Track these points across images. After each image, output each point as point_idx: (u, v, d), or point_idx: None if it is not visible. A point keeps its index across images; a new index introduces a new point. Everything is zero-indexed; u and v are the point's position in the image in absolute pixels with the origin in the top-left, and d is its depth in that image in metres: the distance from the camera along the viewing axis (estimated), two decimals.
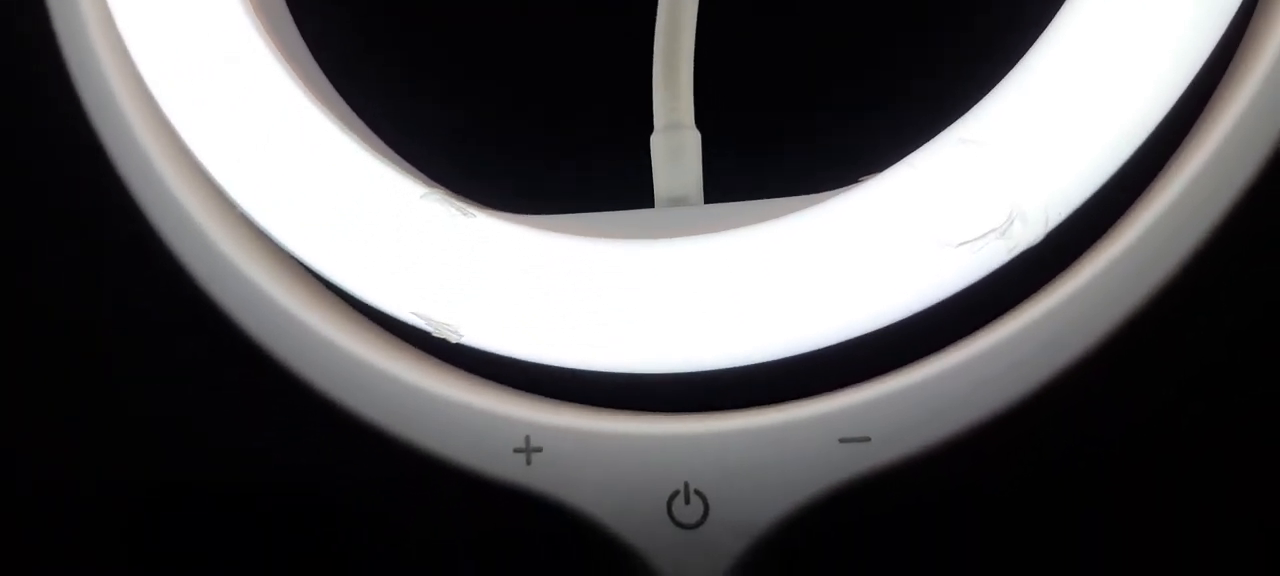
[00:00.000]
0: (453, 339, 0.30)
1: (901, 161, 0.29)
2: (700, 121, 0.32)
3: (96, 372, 0.36)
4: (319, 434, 0.33)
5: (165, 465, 0.36)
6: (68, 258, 0.36)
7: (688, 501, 0.31)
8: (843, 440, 0.30)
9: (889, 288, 0.29)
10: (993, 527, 0.31)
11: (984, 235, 0.28)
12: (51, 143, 0.35)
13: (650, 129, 0.32)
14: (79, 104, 0.34)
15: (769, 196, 0.31)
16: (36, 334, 0.36)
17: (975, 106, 0.28)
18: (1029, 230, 0.28)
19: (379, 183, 0.31)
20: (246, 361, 0.33)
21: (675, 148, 0.32)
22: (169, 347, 0.34)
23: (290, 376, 0.33)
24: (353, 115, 0.34)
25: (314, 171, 0.31)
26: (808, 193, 0.31)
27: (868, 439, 0.30)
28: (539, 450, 0.31)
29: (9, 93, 0.36)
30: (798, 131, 0.33)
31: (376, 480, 0.33)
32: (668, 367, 0.31)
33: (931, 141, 0.29)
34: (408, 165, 0.33)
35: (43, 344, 0.36)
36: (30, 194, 0.36)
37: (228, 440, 0.35)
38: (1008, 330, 0.30)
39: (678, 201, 0.32)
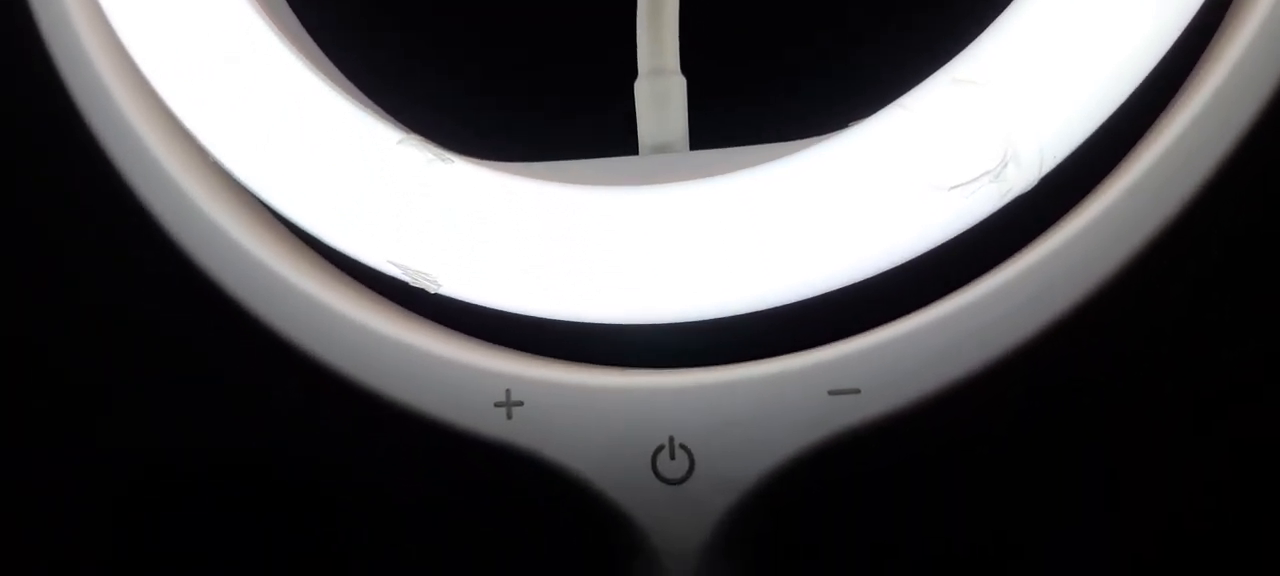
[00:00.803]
0: (431, 289, 0.30)
1: (892, 104, 0.28)
2: (685, 66, 0.31)
3: (70, 327, 0.35)
4: (298, 389, 0.32)
5: (144, 426, 0.35)
6: (33, 207, 0.35)
7: (673, 456, 0.30)
8: (832, 392, 0.29)
9: (880, 234, 0.28)
10: (983, 479, 0.31)
11: (977, 178, 0.27)
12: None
13: (634, 75, 0.32)
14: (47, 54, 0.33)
15: (756, 143, 0.30)
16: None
17: (969, 45, 0.28)
18: (1023, 173, 0.27)
19: (354, 128, 0.30)
20: (223, 316, 0.32)
21: (660, 94, 0.32)
22: (143, 303, 0.33)
23: (268, 331, 0.32)
24: (326, 61, 0.33)
25: (288, 118, 0.30)
26: (796, 138, 0.30)
27: (858, 391, 0.29)
28: (520, 404, 0.31)
29: None
30: (785, 75, 0.32)
31: (356, 435, 0.32)
32: (652, 318, 0.30)
33: (923, 82, 0.28)
34: (383, 112, 0.32)
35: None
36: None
37: (205, 397, 0.35)
38: (999, 281, 0.30)
39: (663, 148, 0.31)
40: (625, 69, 0.32)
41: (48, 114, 0.33)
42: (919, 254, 0.28)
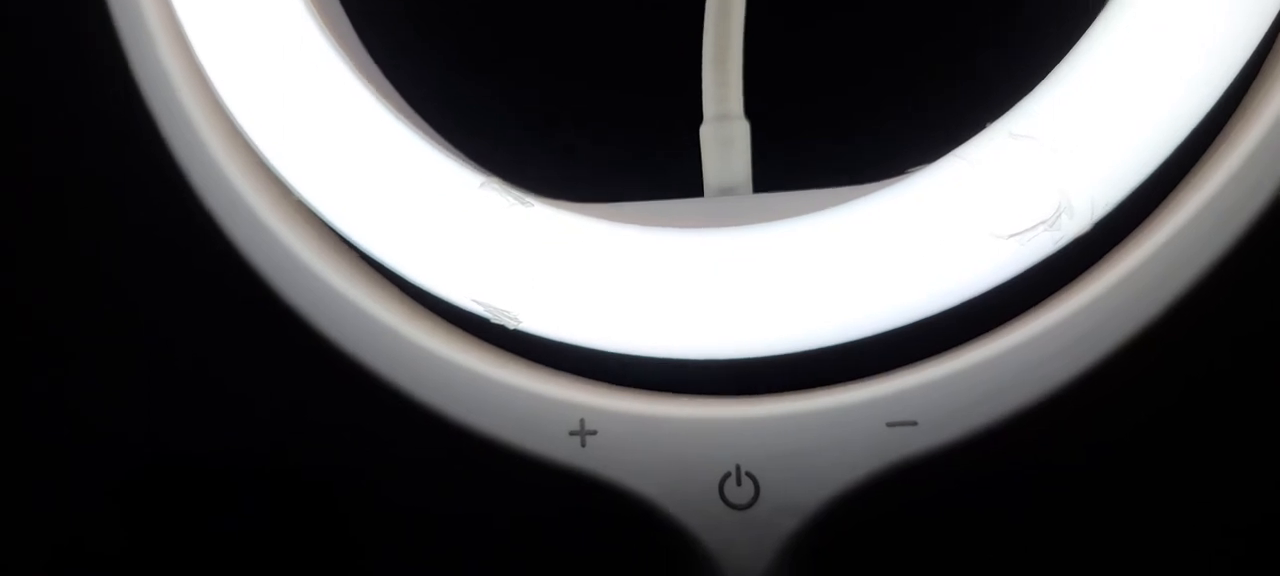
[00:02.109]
0: (510, 325, 0.31)
1: (951, 153, 0.30)
2: (749, 111, 0.33)
3: (168, 361, 0.36)
4: (379, 418, 0.34)
5: (229, 447, 0.37)
6: (140, 262, 0.36)
7: (739, 483, 0.31)
8: (890, 424, 0.31)
9: (936, 278, 0.30)
10: (1039, 512, 0.32)
11: (1032, 227, 0.28)
12: (121, 152, 0.36)
13: (700, 118, 0.33)
14: (151, 118, 0.35)
15: (818, 186, 0.32)
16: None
17: (1024, 99, 0.29)
18: (1076, 222, 0.29)
19: (438, 173, 0.32)
20: (307, 348, 0.34)
21: (725, 138, 0.33)
22: (234, 334, 0.35)
23: (351, 362, 0.34)
24: (407, 106, 0.35)
25: (375, 163, 0.32)
26: (856, 183, 0.31)
27: (915, 423, 0.31)
28: (594, 433, 0.32)
29: (77, 103, 0.36)
30: (847, 121, 0.34)
31: (435, 463, 0.34)
32: (719, 353, 0.31)
33: (981, 133, 0.29)
34: (463, 155, 0.34)
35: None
36: (102, 201, 0.37)
37: (289, 425, 0.36)
38: (1055, 315, 0.31)
39: (727, 191, 0.33)
40: (692, 112, 0.33)
41: (145, 156, 0.35)
42: (975, 296, 0.30)
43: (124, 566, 0.39)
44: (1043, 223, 0.28)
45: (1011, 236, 0.28)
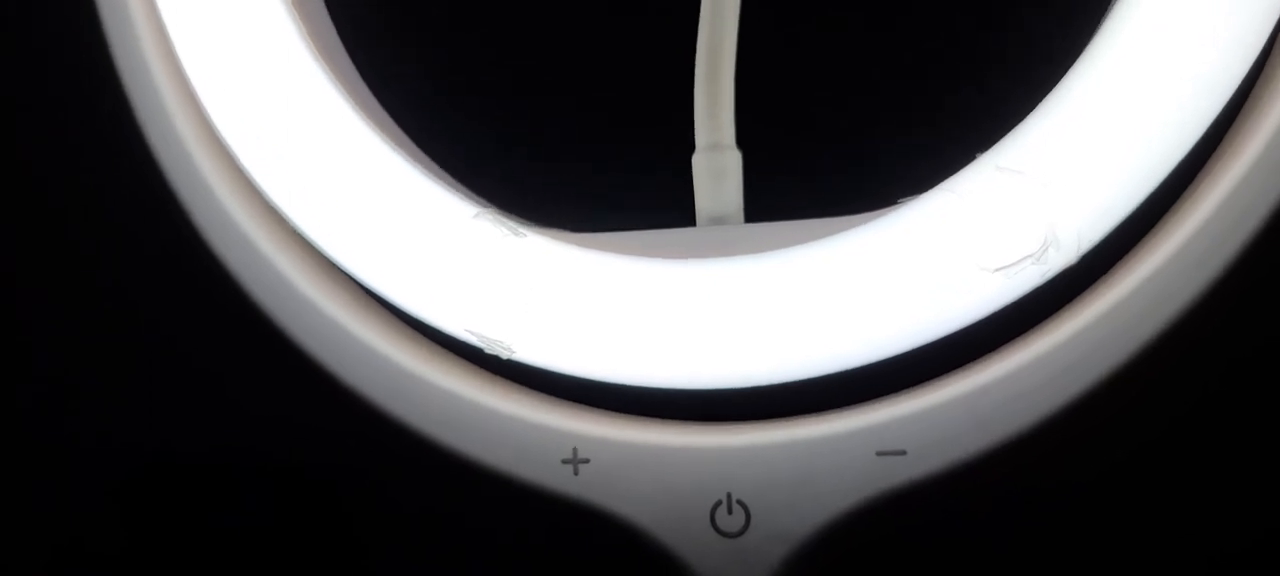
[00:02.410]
0: (504, 355, 0.32)
1: (940, 185, 0.30)
2: (741, 140, 0.33)
3: (162, 371, 0.37)
4: (370, 444, 0.34)
5: (217, 469, 0.37)
6: (135, 272, 0.36)
7: (730, 511, 0.32)
8: (880, 453, 0.31)
9: (925, 309, 0.30)
10: (1026, 541, 0.32)
11: (1019, 261, 0.29)
12: (114, 166, 0.36)
13: (692, 148, 0.33)
14: (145, 142, 0.35)
15: (809, 216, 0.32)
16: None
17: (1012, 132, 0.29)
18: (1062, 255, 0.29)
19: (432, 202, 0.32)
20: (296, 371, 0.34)
21: (717, 168, 0.33)
22: (217, 357, 0.35)
23: (341, 387, 0.34)
24: (401, 133, 0.35)
25: (368, 191, 0.32)
26: (847, 213, 0.32)
27: (904, 452, 0.31)
28: (586, 461, 0.32)
29: (65, 109, 0.37)
30: (838, 152, 0.34)
31: (427, 489, 0.34)
32: (710, 383, 0.32)
33: (969, 166, 0.30)
34: (457, 183, 0.34)
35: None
36: (96, 210, 0.37)
37: (277, 450, 0.36)
38: (1042, 345, 0.31)
39: (719, 220, 0.33)
40: (684, 142, 0.33)
41: (135, 176, 0.35)
42: (962, 327, 0.30)
43: (123, 566, 0.39)
44: (1030, 256, 0.29)
45: (998, 270, 0.29)
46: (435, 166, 0.35)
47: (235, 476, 0.37)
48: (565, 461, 0.32)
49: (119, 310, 0.37)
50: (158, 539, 0.39)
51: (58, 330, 0.39)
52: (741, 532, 0.32)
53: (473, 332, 0.31)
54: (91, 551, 0.40)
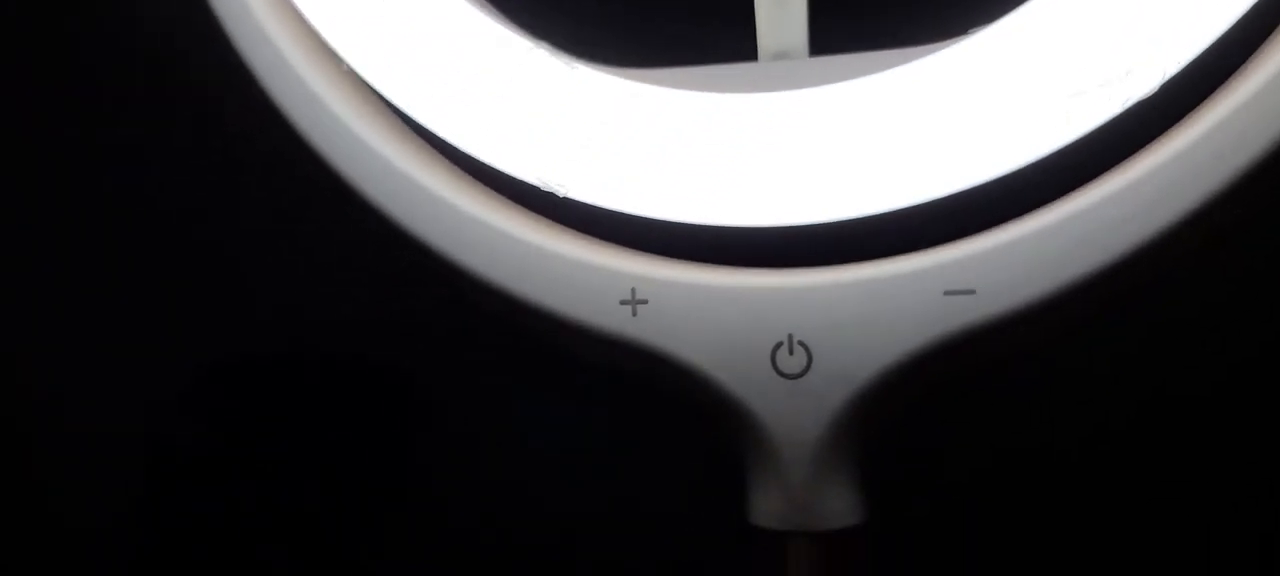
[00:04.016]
0: (559, 193, 0.31)
1: (1013, 11, 0.29)
2: None
3: (218, 241, 0.37)
4: (427, 288, 0.34)
5: (280, 322, 0.37)
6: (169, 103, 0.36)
7: (791, 352, 0.31)
8: (948, 292, 0.30)
9: (997, 141, 0.29)
10: (1098, 384, 0.31)
11: (1098, 86, 0.27)
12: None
13: None
14: None
15: (876, 48, 0.31)
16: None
17: None
18: (1143, 82, 0.27)
19: (486, 37, 0.31)
20: (355, 216, 0.34)
21: None
22: (277, 206, 0.35)
23: (398, 230, 0.33)
24: None
25: (420, 25, 0.32)
26: (917, 44, 0.30)
27: (973, 291, 0.30)
28: (645, 302, 0.32)
29: None
30: None
31: (482, 333, 0.34)
32: (773, 221, 0.31)
33: None
34: (510, 19, 0.33)
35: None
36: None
37: (336, 296, 0.36)
38: (1121, 181, 0.30)
39: (782, 55, 0.32)
40: None
41: (197, 29, 0.34)
42: (1034, 160, 0.29)
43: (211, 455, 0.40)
44: (1108, 82, 0.27)
45: (1074, 96, 0.27)
46: (489, 3, 0.34)
47: (295, 308, 0.36)
48: (623, 302, 0.32)
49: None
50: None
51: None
52: (803, 374, 0.31)
53: (526, 169, 0.31)
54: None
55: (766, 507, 0.31)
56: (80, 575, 0.44)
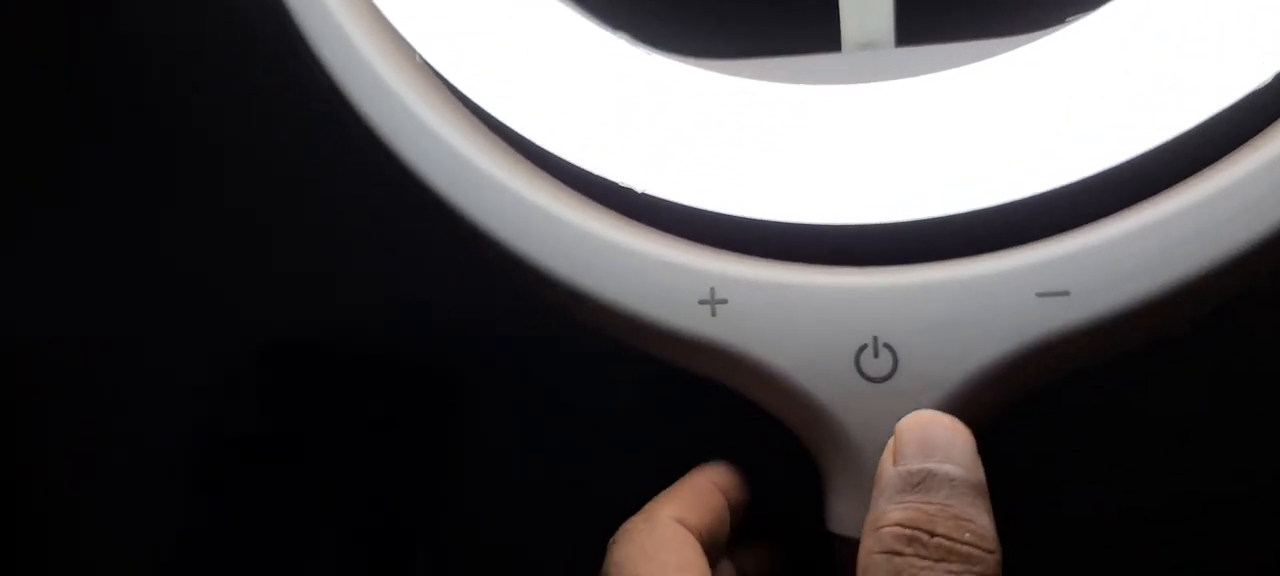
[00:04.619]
0: (637, 190, 0.30)
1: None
2: None
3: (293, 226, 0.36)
4: (506, 286, 0.33)
5: (354, 319, 0.37)
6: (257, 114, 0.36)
7: (876, 354, 0.30)
8: (1041, 294, 0.29)
9: (1092, 136, 0.28)
10: (1197, 392, 0.30)
11: (1199, 79, 0.26)
12: None
13: None
14: None
15: (966, 39, 0.30)
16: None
17: None
18: (1249, 78, 0.26)
19: (565, 30, 0.31)
20: (432, 214, 0.33)
21: None
22: (357, 204, 0.34)
23: (477, 230, 0.33)
24: None
25: (499, 20, 0.31)
26: (1009, 34, 0.29)
27: (1067, 293, 0.29)
28: (724, 302, 0.31)
29: None
30: None
31: (562, 332, 0.33)
32: (857, 218, 0.30)
33: None
34: (587, 9, 0.32)
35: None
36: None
37: (415, 294, 0.36)
38: (1222, 181, 0.28)
39: (867, 45, 0.31)
40: None
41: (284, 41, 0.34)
42: (1133, 156, 0.28)
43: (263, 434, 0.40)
44: (1210, 77, 0.26)
45: (1176, 88, 0.26)
46: None
47: (372, 311, 0.36)
48: (702, 302, 0.31)
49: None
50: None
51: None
52: (888, 377, 0.30)
53: (605, 166, 0.30)
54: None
55: (847, 515, 0.30)
56: (127, 559, 0.44)
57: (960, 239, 0.30)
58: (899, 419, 0.29)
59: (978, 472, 0.27)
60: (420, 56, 0.32)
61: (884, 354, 0.30)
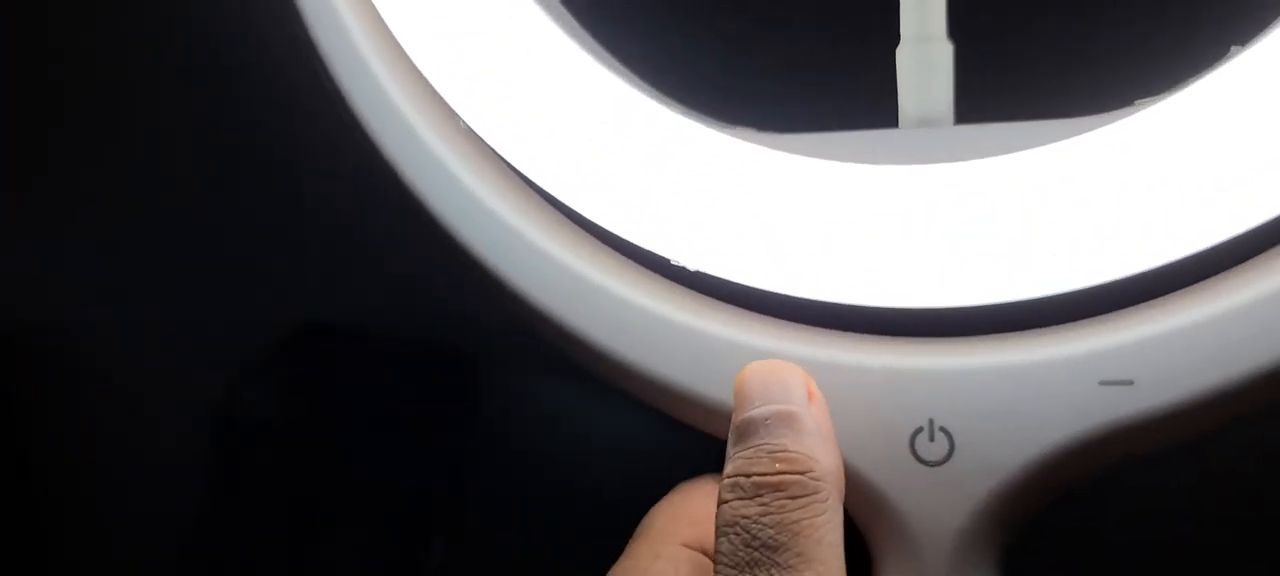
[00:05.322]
0: (689, 266, 0.30)
1: (1180, 85, 0.27)
2: (951, 31, 0.30)
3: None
4: (547, 354, 0.33)
5: (410, 390, 0.36)
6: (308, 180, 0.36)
7: (932, 438, 0.29)
8: (1104, 382, 0.28)
9: (1162, 224, 0.27)
10: (1268, 486, 0.29)
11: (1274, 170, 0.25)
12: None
13: (896, 40, 0.31)
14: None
15: (1028, 117, 0.29)
16: None
17: (1272, 26, 0.26)
18: None
19: (618, 102, 0.30)
20: (483, 288, 0.33)
21: (924, 61, 0.31)
22: (410, 278, 0.34)
23: (525, 302, 0.32)
24: (583, 33, 0.33)
25: (550, 91, 0.31)
26: (1072, 115, 0.29)
27: (1132, 382, 0.28)
28: None
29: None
30: (1061, 44, 0.31)
31: (608, 404, 0.33)
32: (913, 301, 0.29)
33: (1221, 62, 0.26)
34: (645, 84, 0.32)
35: None
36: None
37: (469, 370, 0.35)
38: None
39: (926, 122, 0.30)
40: (887, 35, 0.30)
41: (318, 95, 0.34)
42: (1205, 248, 0.27)
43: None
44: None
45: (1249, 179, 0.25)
46: (620, 65, 0.33)
47: (416, 389, 0.36)
48: None
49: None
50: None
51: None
52: (944, 461, 0.29)
53: (654, 239, 0.30)
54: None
55: None
56: (150, 542, 0.45)
57: (1023, 319, 0.29)
58: (956, 503, 0.29)
59: (790, 403, 0.28)
60: (463, 122, 0.32)
61: (940, 437, 0.29)
